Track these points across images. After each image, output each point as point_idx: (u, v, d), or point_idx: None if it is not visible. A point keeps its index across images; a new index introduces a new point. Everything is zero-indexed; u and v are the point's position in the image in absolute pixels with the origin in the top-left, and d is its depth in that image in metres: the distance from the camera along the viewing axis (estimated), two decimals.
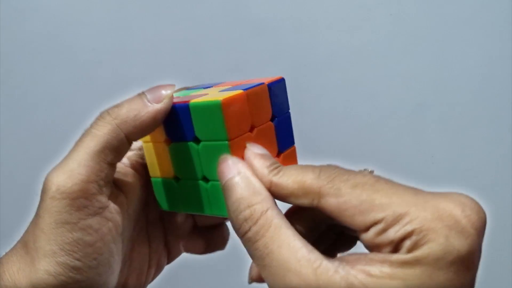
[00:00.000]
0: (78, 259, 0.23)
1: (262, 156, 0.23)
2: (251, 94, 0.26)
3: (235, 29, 0.65)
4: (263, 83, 0.27)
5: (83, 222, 0.23)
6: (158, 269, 0.31)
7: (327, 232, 0.25)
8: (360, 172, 0.21)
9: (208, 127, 0.24)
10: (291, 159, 0.29)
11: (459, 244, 0.18)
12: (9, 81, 0.68)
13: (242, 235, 0.21)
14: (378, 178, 0.20)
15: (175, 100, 0.26)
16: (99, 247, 0.24)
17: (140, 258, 0.29)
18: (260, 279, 0.25)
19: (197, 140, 0.25)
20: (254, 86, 0.26)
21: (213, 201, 0.26)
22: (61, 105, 0.68)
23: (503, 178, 0.67)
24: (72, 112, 0.66)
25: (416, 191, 0.20)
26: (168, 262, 0.32)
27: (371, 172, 0.23)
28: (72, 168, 0.23)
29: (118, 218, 0.25)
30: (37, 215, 0.24)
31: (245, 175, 0.22)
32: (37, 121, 0.69)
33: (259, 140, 0.26)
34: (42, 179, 0.24)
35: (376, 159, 0.66)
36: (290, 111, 0.30)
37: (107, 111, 0.25)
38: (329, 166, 0.21)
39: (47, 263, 0.23)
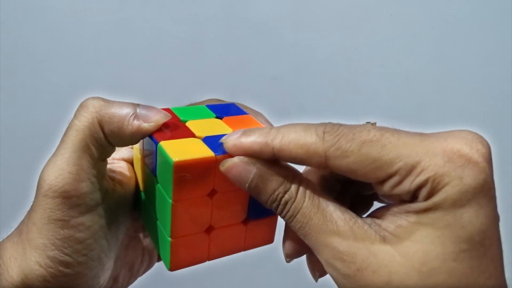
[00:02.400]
0: (67, 255, 0.23)
1: (253, 132, 0.22)
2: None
3: (235, 29, 0.65)
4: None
5: (75, 220, 0.23)
6: (150, 264, 0.31)
7: (343, 194, 0.26)
8: (363, 127, 0.20)
9: (162, 176, 0.23)
10: (267, 227, 0.27)
11: (474, 180, 0.19)
12: (9, 81, 0.68)
13: (284, 216, 0.22)
14: (383, 131, 0.20)
15: (168, 121, 0.24)
16: (89, 243, 0.24)
17: (134, 253, 0.29)
18: (295, 255, 0.25)
19: (157, 180, 0.24)
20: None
21: (159, 240, 0.25)
22: (61, 105, 0.68)
23: (503, 178, 0.66)
24: (72, 112, 0.66)
25: (422, 137, 0.20)
26: (159, 260, 0.32)
27: (374, 124, 0.23)
28: (62, 167, 0.23)
29: (113, 214, 0.25)
30: (31, 209, 0.24)
31: (260, 169, 0.22)
32: (37, 121, 0.69)
33: (220, 204, 0.24)
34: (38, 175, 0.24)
35: None
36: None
37: (92, 103, 0.24)
38: (331, 125, 0.21)
39: (38, 255, 0.23)
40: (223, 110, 0.28)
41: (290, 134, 0.21)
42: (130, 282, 0.30)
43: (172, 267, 0.24)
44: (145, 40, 0.66)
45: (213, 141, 0.23)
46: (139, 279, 0.31)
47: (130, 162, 0.29)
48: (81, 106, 0.24)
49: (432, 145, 0.20)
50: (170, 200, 0.22)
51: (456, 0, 0.64)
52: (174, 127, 0.25)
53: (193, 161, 0.22)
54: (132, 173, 0.28)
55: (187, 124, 0.25)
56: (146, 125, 0.23)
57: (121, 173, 0.27)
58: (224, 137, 0.23)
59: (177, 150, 0.22)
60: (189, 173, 0.22)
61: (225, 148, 0.23)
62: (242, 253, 0.27)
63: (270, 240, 0.28)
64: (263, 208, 0.23)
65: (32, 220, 0.23)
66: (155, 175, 0.24)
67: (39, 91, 0.68)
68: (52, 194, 0.23)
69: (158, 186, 0.24)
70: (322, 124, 0.22)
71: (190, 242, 0.24)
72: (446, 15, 0.65)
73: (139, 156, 0.27)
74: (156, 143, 0.23)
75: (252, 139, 0.22)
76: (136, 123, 0.23)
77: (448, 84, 0.66)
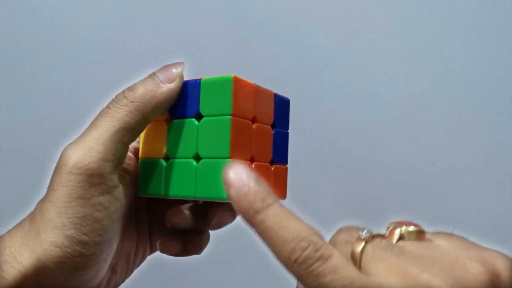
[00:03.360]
0: (85, 234, 0.24)
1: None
2: (260, 90, 0.27)
3: (235, 29, 0.65)
4: (271, 91, 0.28)
5: (96, 198, 0.24)
6: (143, 258, 0.31)
7: None
8: (346, 267, 0.18)
9: (215, 101, 0.25)
10: (281, 177, 0.29)
11: None
12: (9, 81, 0.68)
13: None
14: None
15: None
16: (105, 224, 0.25)
17: (130, 244, 0.30)
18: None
19: (199, 117, 0.26)
20: (264, 88, 0.27)
21: (200, 181, 0.25)
22: (61, 105, 0.68)
23: (503, 178, 0.66)
24: (72, 112, 0.66)
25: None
26: (151, 252, 0.32)
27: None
28: (90, 146, 0.24)
29: (124, 199, 0.26)
30: (50, 188, 0.24)
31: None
32: (37, 120, 0.69)
33: (257, 136, 0.26)
34: (58, 155, 0.25)
35: (376, 159, 0.66)
36: (289, 131, 0.30)
37: (122, 94, 0.26)
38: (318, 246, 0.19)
39: (55, 235, 0.23)
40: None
41: (273, 233, 0.19)
42: (127, 274, 0.30)
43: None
44: (145, 40, 0.66)
45: None
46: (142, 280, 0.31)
47: (132, 151, 0.30)
48: (113, 100, 0.26)
49: None
50: (229, 116, 0.24)
51: (456, 0, 0.64)
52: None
53: (243, 81, 0.25)
54: (135, 162, 0.29)
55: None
56: (175, 84, 0.26)
57: (128, 160, 0.28)
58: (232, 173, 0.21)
59: (223, 75, 0.25)
60: (240, 91, 0.24)
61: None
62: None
63: (283, 193, 0.29)
64: (279, 153, 0.27)
65: (50, 199, 0.24)
66: (194, 115, 0.26)
67: (39, 91, 0.68)
68: (76, 171, 0.24)
69: (205, 119, 0.25)
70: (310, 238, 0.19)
71: None
72: (446, 15, 0.65)
73: (156, 125, 0.27)
74: (198, 81, 0.26)
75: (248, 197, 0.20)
76: (165, 89, 0.26)
77: (448, 84, 0.66)
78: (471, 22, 0.65)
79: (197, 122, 0.26)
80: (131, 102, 0.25)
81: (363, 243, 0.20)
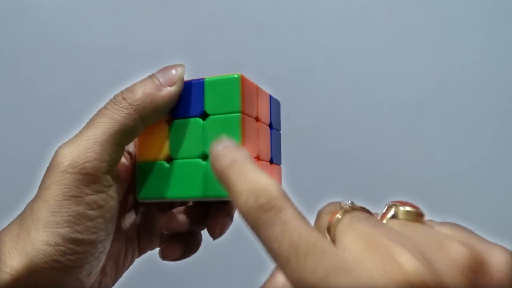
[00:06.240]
0: (79, 232, 0.23)
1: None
2: (260, 90, 0.27)
3: (235, 29, 0.65)
4: (267, 92, 0.28)
5: (90, 197, 0.24)
6: (132, 260, 0.31)
7: None
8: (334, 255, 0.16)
9: (221, 100, 0.25)
10: (277, 178, 0.29)
11: None
12: (9, 81, 0.68)
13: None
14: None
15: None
16: (99, 222, 0.24)
17: (118, 245, 0.30)
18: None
19: (204, 116, 0.25)
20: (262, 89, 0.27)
21: (210, 180, 0.25)
22: (61, 105, 0.68)
23: (503, 178, 0.66)
24: (72, 111, 0.66)
25: None
26: (140, 254, 0.32)
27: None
28: (87, 146, 0.24)
29: (117, 198, 0.26)
30: (42, 187, 0.24)
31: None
32: (36, 120, 0.69)
33: (260, 135, 0.26)
34: (51, 155, 0.24)
35: (376, 159, 0.66)
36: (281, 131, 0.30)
37: (121, 96, 0.25)
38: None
39: (47, 233, 0.23)
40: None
41: (233, 185, 0.19)
42: (117, 277, 0.30)
43: None
44: (145, 40, 0.66)
45: None
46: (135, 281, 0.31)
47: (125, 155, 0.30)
48: (111, 101, 0.25)
49: None
50: (239, 114, 0.24)
51: (456, 0, 0.64)
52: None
53: (247, 80, 0.25)
54: (127, 164, 0.29)
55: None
56: (175, 87, 0.26)
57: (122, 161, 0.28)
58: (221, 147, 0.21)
59: (228, 74, 0.25)
60: (246, 89, 0.25)
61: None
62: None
63: None
64: (275, 153, 0.27)
65: (43, 198, 0.24)
66: (199, 115, 0.25)
67: (39, 91, 0.68)
68: (71, 170, 0.23)
69: (212, 117, 0.25)
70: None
71: None
72: (446, 15, 0.65)
73: (156, 126, 0.27)
74: (202, 81, 0.25)
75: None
76: (165, 92, 0.25)
77: (448, 84, 0.66)
78: (471, 22, 0.65)
79: (202, 121, 0.25)
80: (130, 104, 0.25)
81: (342, 213, 0.19)
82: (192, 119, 0.26)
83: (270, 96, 0.28)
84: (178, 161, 0.26)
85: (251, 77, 0.27)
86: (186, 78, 0.27)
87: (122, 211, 0.30)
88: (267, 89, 0.29)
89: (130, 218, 0.31)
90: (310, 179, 0.65)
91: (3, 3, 0.65)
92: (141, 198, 0.27)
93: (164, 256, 0.30)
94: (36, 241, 0.23)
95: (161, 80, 0.26)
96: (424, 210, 0.21)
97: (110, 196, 0.25)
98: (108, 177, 0.25)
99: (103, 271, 0.28)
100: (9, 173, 0.70)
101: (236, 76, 0.24)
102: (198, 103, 0.25)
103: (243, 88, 0.24)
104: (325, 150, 0.66)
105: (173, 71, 0.26)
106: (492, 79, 0.66)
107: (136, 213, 0.31)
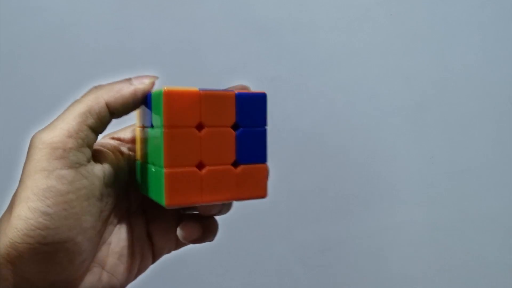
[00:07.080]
0: (49, 206, 0.24)
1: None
2: (210, 96, 0.27)
3: (235, 29, 0.65)
4: (232, 91, 0.28)
5: (59, 171, 0.25)
6: (144, 261, 0.31)
7: None
8: None
9: (155, 113, 0.27)
10: (257, 176, 0.29)
11: None
12: (9, 81, 0.68)
13: None
14: None
15: None
16: (71, 198, 0.25)
17: (121, 243, 0.30)
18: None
19: (152, 127, 0.28)
20: (220, 90, 0.28)
21: (152, 185, 0.27)
22: (61, 105, 0.68)
23: (503, 178, 0.66)
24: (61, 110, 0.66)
25: None
26: (154, 257, 0.32)
27: None
28: (55, 124, 0.26)
29: (95, 181, 0.27)
30: (22, 171, 0.26)
31: None
32: (37, 120, 0.69)
33: (209, 140, 0.27)
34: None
35: (376, 159, 0.66)
36: (267, 127, 0.30)
37: (94, 87, 0.28)
38: None
39: (20, 208, 0.24)
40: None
41: None
42: (127, 279, 0.30)
43: (167, 201, 0.25)
44: (145, 40, 0.66)
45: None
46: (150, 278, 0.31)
47: (118, 149, 0.32)
48: (86, 92, 0.28)
49: None
50: (162, 129, 0.25)
51: (456, 0, 0.64)
52: None
53: (179, 91, 0.26)
54: (119, 158, 0.30)
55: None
56: (142, 84, 0.28)
57: (108, 152, 0.30)
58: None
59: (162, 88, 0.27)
60: (177, 102, 0.26)
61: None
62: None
63: (262, 193, 0.29)
64: (251, 153, 0.27)
65: (20, 178, 0.25)
66: (151, 125, 0.28)
67: (39, 91, 0.68)
68: (41, 146, 0.25)
69: (152, 129, 0.27)
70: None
71: (183, 176, 0.26)
72: (446, 15, 0.65)
73: (139, 131, 0.31)
74: (150, 93, 0.28)
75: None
76: (132, 86, 0.28)
77: (448, 84, 0.66)
78: (471, 22, 0.65)
79: (151, 131, 0.28)
80: (98, 89, 0.28)
81: None
82: (149, 128, 0.28)
83: (237, 95, 0.28)
84: (143, 164, 0.29)
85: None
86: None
87: (125, 211, 0.31)
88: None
89: (136, 218, 0.31)
90: (310, 179, 0.65)
91: (3, 3, 0.65)
92: (141, 192, 0.30)
93: (184, 236, 0.30)
94: (12, 219, 0.24)
95: (133, 79, 0.28)
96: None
97: (82, 175, 0.26)
98: (78, 154, 0.26)
99: (104, 268, 0.28)
100: (9, 173, 0.70)
101: (160, 91, 0.26)
102: (150, 114, 0.28)
103: (167, 102, 0.25)
104: (325, 150, 0.66)
105: (147, 78, 0.29)
106: (492, 79, 0.66)
107: (145, 214, 0.32)
